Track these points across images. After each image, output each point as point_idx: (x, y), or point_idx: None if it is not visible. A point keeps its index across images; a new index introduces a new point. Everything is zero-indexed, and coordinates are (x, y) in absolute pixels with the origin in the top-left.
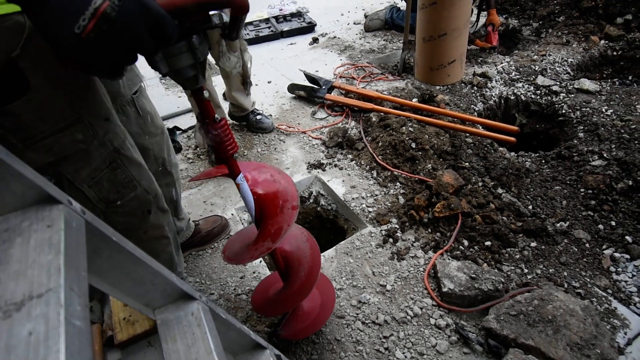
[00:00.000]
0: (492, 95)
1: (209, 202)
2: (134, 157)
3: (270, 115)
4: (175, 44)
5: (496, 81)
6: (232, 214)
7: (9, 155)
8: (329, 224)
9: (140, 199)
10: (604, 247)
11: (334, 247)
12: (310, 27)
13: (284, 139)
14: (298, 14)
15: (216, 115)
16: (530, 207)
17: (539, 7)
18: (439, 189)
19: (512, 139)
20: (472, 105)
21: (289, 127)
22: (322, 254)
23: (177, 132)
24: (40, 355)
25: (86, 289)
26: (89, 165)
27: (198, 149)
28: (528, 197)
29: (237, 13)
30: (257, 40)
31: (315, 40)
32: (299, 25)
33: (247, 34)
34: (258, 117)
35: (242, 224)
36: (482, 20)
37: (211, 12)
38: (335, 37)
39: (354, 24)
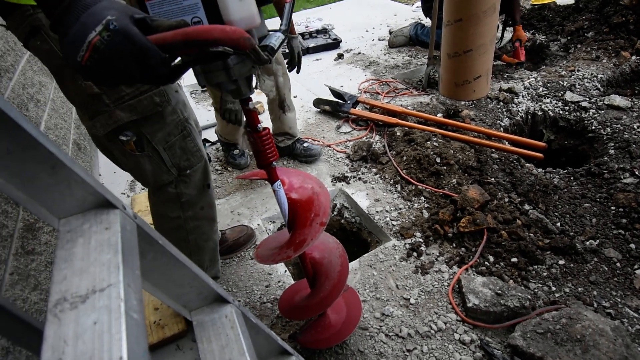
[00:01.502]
0: (518, 110)
1: (236, 212)
2: (196, 129)
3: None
4: (212, 62)
5: (523, 97)
6: (259, 224)
7: (74, 163)
8: (353, 236)
9: (203, 171)
10: (636, 267)
11: (358, 259)
12: (335, 44)
13: None
14: (324, 31)
15: (259, 124)
16: (558, 224)
17: (567, 22)
18: (464, 204)
19: (539, 154)
20: (498, 121)
21: (314, 141)
22: None
23: (207, 145)
24: (104, 342)
25: (140, 286)
26: (164, 128)
27: (222, 161)
28: (556, 214)
29: (237, 48)
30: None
31: (340, 56)
32: (324, 42)
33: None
34: (305, 144)
35: (268, 233)
36: (508, 36)
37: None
38: (360, 52)
39: (379, 40)
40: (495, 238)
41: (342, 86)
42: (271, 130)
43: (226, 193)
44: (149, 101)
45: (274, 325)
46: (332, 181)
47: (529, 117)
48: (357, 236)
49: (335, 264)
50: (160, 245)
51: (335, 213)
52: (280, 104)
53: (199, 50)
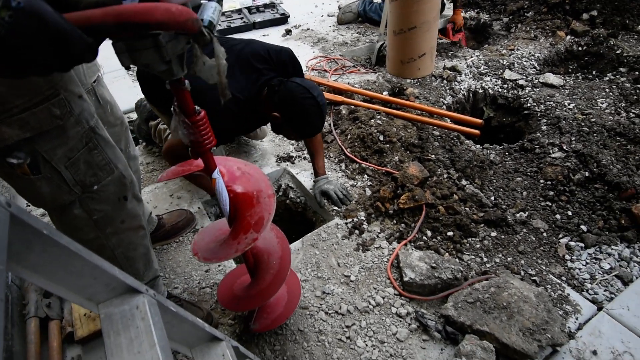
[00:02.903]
0: (461, 88)
1: (175, 196)
2: (108, 138)
3: None
4: (139, 40)
5: (465, 75)
6: (199, 208)
7: None
8: (298, 216)
9: (117, 183)
10: (560, 236)
11: (301, 240)
12: (283, 19)
13: None
14: (271, 5)
15: (197, 106)
16: (492, 198)
17: (509, 2)
18: (404, 181)
19: (476, 131)
20: (442, 99)
21: None
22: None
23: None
24: None
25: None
26: (66, 143)
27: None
28: (491, 188)
29: (183, 32)
30: (228, 32)
31: (288, 32)
32: (272, 17)
33: (219, 24)
34: None
35: (210, 218)
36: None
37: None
38: (308, 29)
39: (328, 16)
40: (434, 213)
41: None
42: None
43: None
44: (46, 114)
45: (213, 310)
46: (276, 161)
47: (471, 95)
48: (303, 216)
49: (275, 251)
50: (47, 236)
51: (280, 194)
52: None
53: (135, 34)
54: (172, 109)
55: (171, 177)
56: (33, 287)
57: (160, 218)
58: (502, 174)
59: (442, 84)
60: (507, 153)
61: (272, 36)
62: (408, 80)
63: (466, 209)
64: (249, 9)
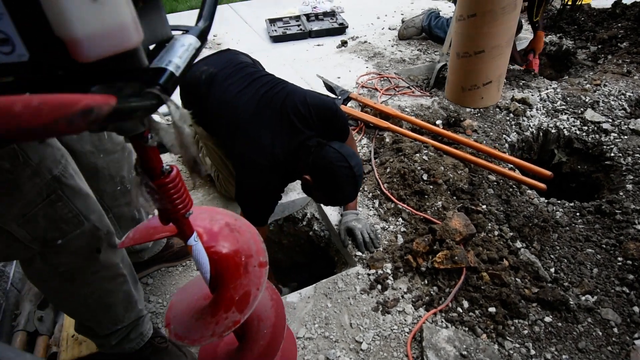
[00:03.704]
0: (529, 125)
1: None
2: (79, 187)
3: None
4: None
5: (537, 109)
6: None
7: None
8: (320, 251)
9: (87, 236)
10: (636, 335)
11: (314, 286)
12: (341, 29)
13: None
14: (331, 14)
15: (165, 165)
16: (552, 269)
17: (599, 28)
18: (444, 235)
19: (543, 185)
20: (504, 135)
21: None
22: (298, 292)
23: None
24: None
25: None
26: (20, 199)
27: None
28: (552, 257)
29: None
30: (283, 38)
31: (343, 43)
32: (329, 26)
33: (275, 30)
34: None
35: None
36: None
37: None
38: (365, 41)
39: (389, 29)
40: (475, 280)
41: (339, 77)
42: None
43: (189, 188)
44: None
45: None
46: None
47: (541, 133)
48: (325, 252)
49: (267, 317)
50: None
51: (304, 223)
52: (191, 166)
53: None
54: (134, 168)
55: (135, 243)
56: (29, 297)
57: (169, 238)
58: (569, 240)
59: (508, 118)
60: (578, 213)
61: (327, 46)
62: (467, 110)
63: (517, 280)
64: (307, 16)
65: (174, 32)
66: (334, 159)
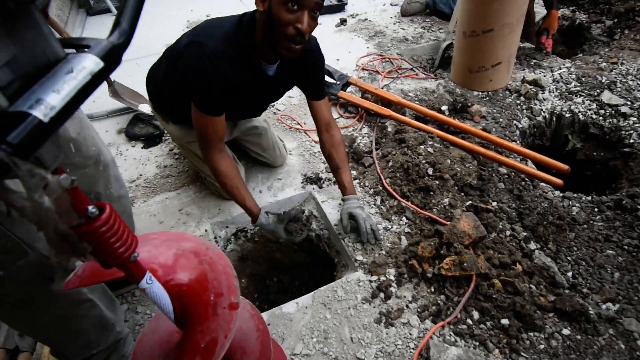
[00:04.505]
0: (542, 109)
1: (184, 212)
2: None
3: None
4: None
5: (550, 92)
6: (206, 230)
7: None
8: (319, 252)
9: (35, 266)
10: None
11: (312, 294)
12: (340, 6)
13: (283, 136)
14: None
15: (90, 207)
16: (569, 274)
17: (615, 1)
18: (451, 239)
19: (559, 181)
20: (515, 121)
21: (293, 121)
22: (295, 301)
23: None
24: None
25: None
26: None
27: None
28: (569, 259)
29: None
30: None
31: (343, 21)
32: (327, 3)
33: None
34: None
35: (217, 242)
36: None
37: None
38: (366, 19)
39: (391, 5)
40: (486, 288)
41: (338, 60)
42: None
43: (179, 185)
44: None
45: None
46: (302, 182)
47: (554, 118)
48: (324, 253)
49: (252, 350)
50: None
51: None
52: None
53: None
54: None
55: (83, 284)
56: None
57: None
58: (587, 240)
59: (518, 102)
60: (596, 209)
61: (325, 25)
62: (475, 93)
63: (531, 286)
64: None
65: (70, 50)
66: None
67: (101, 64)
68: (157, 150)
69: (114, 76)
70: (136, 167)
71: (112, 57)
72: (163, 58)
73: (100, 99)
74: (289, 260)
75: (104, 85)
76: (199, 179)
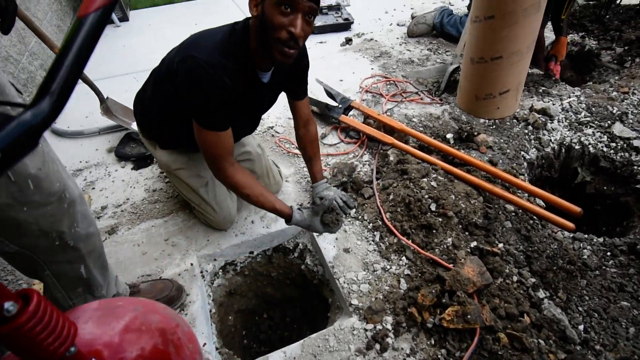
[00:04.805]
0: (550, 140)
1: (171, 241)
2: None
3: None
4: None
5: (559, 121)
6: (192, 264)
7: None
8: (313, 288)
9: None
10: None
11: (301, 342)
12: (346, 25)
13: (280, 161)
14: (337, 7)
15: (8, 304)
16: (581, 327)
17: (626, 28)
18: (454, 286)
19: (571, 225)
20: (523, 152)
21: (292, 145)
22: (283, 350)
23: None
24: None
25: None
26: None
27: None
28: (580, 309)
29: None
30: None
31: (348, 41)
32: (334, 21)
33: None
34: None
35: (204, 277)
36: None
37: None
38: (372, 39)
39: (397, 25)
40: (491, 342)
41: (341, 80)
42: None
43: (167, 212)
44: None
45: None
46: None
47: (563, 149)
48: (318, 291)
49: None
50: None
51: (296, 255)
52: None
53: None
54: None
55: None
56: None
57: (134, 287)
58: (600, 289)
59: (526, 131)
60: (609, 253)
61: (330, 44)
62: (482, 121)
63: (540, 342)
64: None
65: None
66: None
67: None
68: (148, 172)
69: (107, 91)
70: (124, 190)
71: (17, 144)
72: (150, 77)
73: (93, 115)
74: (281, 294)
75: (97, 101)
76: (188, 206)
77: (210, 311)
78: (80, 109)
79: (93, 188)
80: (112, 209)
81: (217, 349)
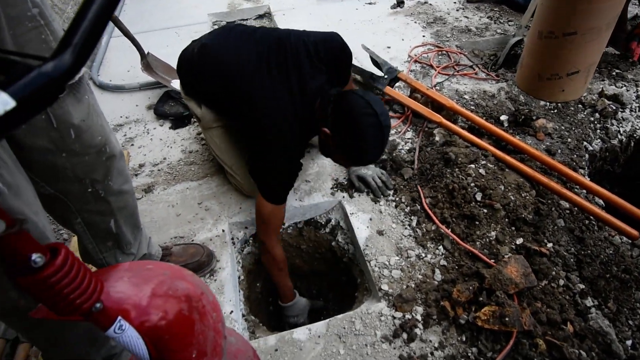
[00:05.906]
0: (619, 131)
1: (204, 206)
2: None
3: None
4: None
5: (632, 110)
6: (224, 230)
7: None
8: (343, 265)
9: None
10: None
11: (327, 322)
12: None
13: None
14: None
15: (35, 256)
16: (628, 343)
17: None
18: (494, 285)
19: (635, 232)
20: (586, 142)
21: None
22: (308, 327)
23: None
24: None
25: None
26: None
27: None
28: (630, 322)
29: None
30: None
31: (399, 3)
32: None
33: None
34: None
35: (234, 244)
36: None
37: None
38: (426, 2)
39: None
40: (527, 348)
41: (389, 47)
42: None
43: (202, 175)
44: None
45: None
46: (332, 187)
47: (632, 142)
48: (348, 268)
49: None
50: None
51: (327, 230)
52: None
53: None
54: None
55: (50, 317)
56: None
57: (166, 250)
58: None
59: (592, 119)
60: None
61: (380, 5)
62: (542, 103)
63: (582, 352)
64: None
65: None
66: (358, 105)
67: (10, 105)
68: (185, 133)
69: (147, 46)
70: (161, 150)
71: (35, 95)
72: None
73: (135, 69)
74: (309, 267)
75: (138, 56)
76: (222, 171)
77: (239, 278)
78: (122, 63)
79: (132, 144)
80: (149, 167)
81: (243, 315)
